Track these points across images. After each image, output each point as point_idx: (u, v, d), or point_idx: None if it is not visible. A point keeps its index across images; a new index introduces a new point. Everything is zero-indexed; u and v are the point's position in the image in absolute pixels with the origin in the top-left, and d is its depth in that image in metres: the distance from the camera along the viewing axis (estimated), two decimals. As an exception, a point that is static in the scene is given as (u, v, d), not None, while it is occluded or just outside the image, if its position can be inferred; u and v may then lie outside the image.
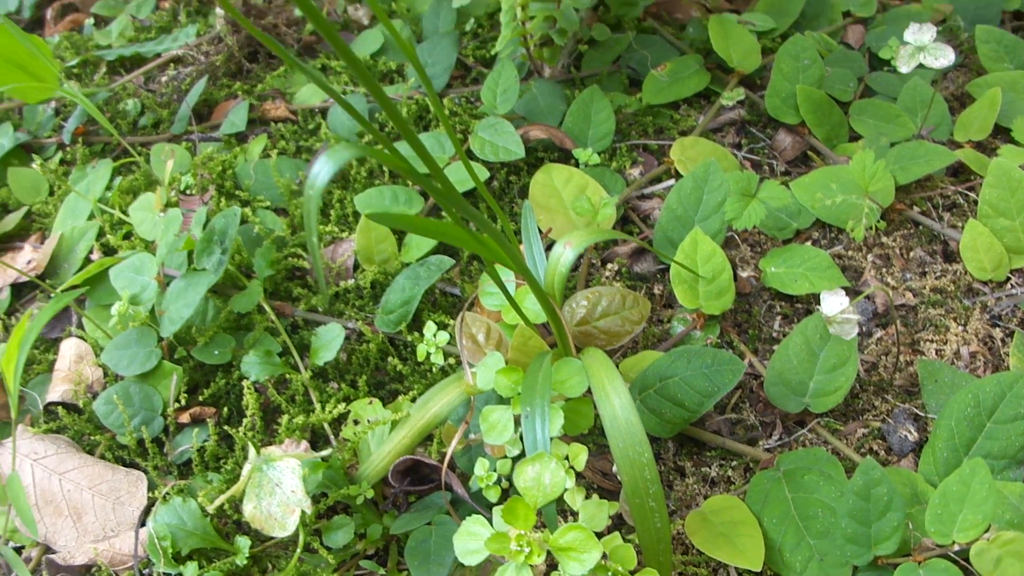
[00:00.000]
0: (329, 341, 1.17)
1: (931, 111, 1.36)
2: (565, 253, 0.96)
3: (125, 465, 1.19)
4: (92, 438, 1.23)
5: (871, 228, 1.25)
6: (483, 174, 1.31)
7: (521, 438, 0.87)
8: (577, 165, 1.35)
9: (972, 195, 1.29)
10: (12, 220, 1.61)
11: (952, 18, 1.55)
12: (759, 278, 1.22)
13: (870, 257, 1.24)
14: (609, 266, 1.25)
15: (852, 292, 1.19)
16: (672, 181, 1.35)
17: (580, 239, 0.96)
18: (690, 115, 1.47)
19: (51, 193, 1.64)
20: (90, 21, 2.10)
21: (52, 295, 1.42)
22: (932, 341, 1.15)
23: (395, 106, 0.61)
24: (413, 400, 1.10)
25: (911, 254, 1.25)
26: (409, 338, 1.18)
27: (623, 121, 1.44)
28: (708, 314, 1.14)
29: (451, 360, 1.17)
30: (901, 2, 1.63)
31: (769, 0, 1.59)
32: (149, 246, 1.38)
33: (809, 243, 1.27)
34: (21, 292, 1.51)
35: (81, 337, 1.34)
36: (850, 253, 1.25)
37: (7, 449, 1.20)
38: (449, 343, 1.13)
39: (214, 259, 1.21)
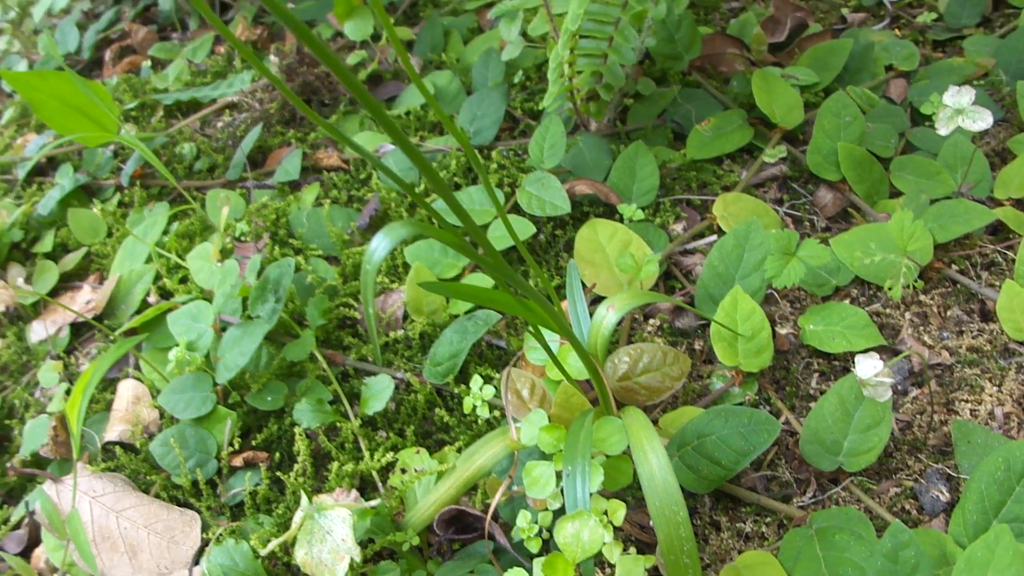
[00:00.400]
0: (379, 392, 1.23)
1: (971, 168, 1.39)
2: (608, 316, 1.01)
3: (179, 505, 1.25)
4: (148, 477, 1.29)
5: (908, 286, 1.29)
6: (530, 229, 1.36)
7: (562, 492, 0.92)
8: (622, 220, 1.40)
9: (1011, 254, 1.32)
10: (72, 260, 1.68)
11: (994, 72, 1.59)
12: (797, 335, 1.26)
13: (907, 315, 1.28)
14: (651, 321, 1.30)
15: (889, 351, 1.23)
16: (714, 237, 1.40)
17: (623, 303, 1.02)
18: (733, 170, 1.51)
19: (109, 234, 1.71)
20: (147, 64, 2.18)
21: (111, 337, 1.49)
22: (967, 401, 1.18)
23: (430, 166, 0.66)
24: (459, 451, 1.15)
25: (948, 313, 1.28)
26: (456, 390, 1.24)
27: (667, 176, 1.49)
28: (747, 371, 1.19)
29: (496, 413, 1.22)
30: (944, 55, 1.66)
31: (812, 54, 1.63)
32: (204, 292, 1.44)
33: (848, 300, 1.31)
34: (80, 331, 1.58)
35: (138, 378, 1.40)
36: (888, 311, 1.29)
37: (68, 486, 1.26)
38: (495, 396, 1.18)
39: (268, 307, 1.28)
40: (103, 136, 1.65)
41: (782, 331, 1.28)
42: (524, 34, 1.56)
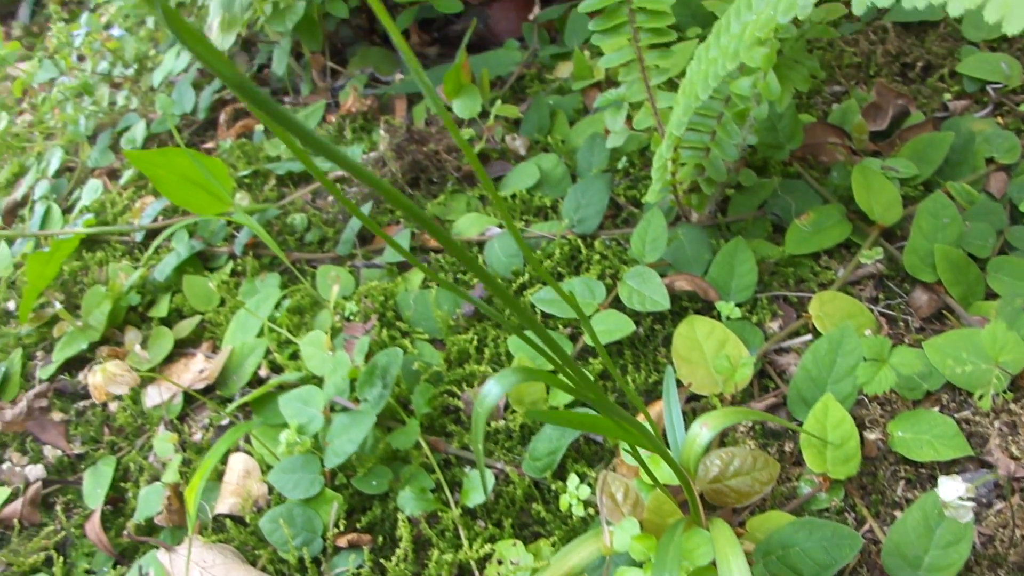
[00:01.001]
0: (479, 485, 1.32)
1: (1069, 274, 1.45)
2: (702, 434, 1.10)
3: (286, 581, 1.36)
4: (256, 551, 1.39)
5: (999, 395, 1.35)
6: (629, 326, 1.44)
7: (651, 599, 1.00)
8: (719, 316, 1.48)
9: (1105, 365, 1.37)
10: (187, 327, 1.80)
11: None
12: (886, 441, 1.33)
13: (996, 424, 1.34)
14: (744, 421, 1.38)
15: (976, 461, 1.29)
16: (809, 336, 1.46)
17: (717, 421, 1.10)
18: (830, 266, 1.58)
19: (222, 303, 1.83)
20: (260, 127, 2.30)
21: (224, 415, 1.60)
22: (1052, 515, 1.24)
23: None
24: (553, 546, 1.24)
25: (1038, 423, 1.34)
26: (553, 486, 1.32)
27: (765, 271, 1.56)
28: (834, 478, 1.26)
29: (591, 510, 1.30)
30: (1048, 147, 1.71)
31: (913, 146, 1.69)
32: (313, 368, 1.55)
33: (938, 407, 1.37)
34: (193, 397, 1.69)
35: (248, 452, 1.51)
36: (977, 419, 1.34)
37: (180, 555, 1.37)
38: (590, 494, 1.26)
39: (375, 392, 1.38)
40: (218, 207, 1.78)
41: (871, 436, 1.34)
42: (629, 119, 1.64)
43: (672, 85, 1.55)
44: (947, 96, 1.83)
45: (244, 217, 1.70)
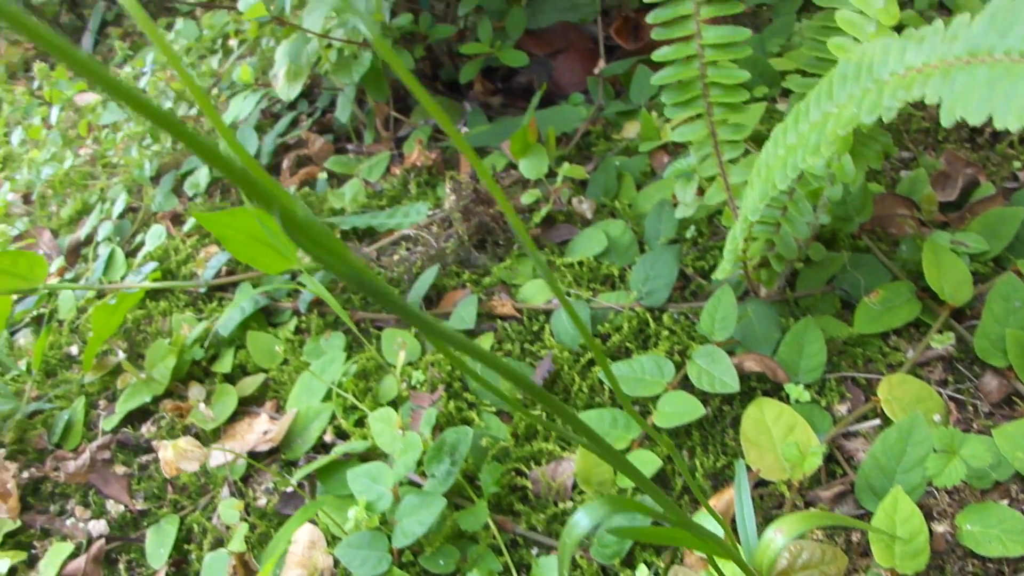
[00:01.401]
0: (549, 573, 1.34)
1: None
2: (776, 539, 1.11)
3: (351, 656, 1.39)
4: (321, 623, 1.42)
5: (1071, 489, 1.36)
6: (699, 410, 1.46)
7: None
8: (787, 398, 1.49)
9: None
10: (251, 384, 1.83)
11: None
12: (954, 534, 1.34)
13: (1067, 518, 1.34)
14: (811, 510, 1.39)
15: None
16: (877, 421, 1.48)
17: (793, 526, 1.11)
18: (899, 346, 1.59)
19: (285, 361, 1.86)
20: (323, 176, 2.34)
21: (288, 477, 1.63)
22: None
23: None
24: (621, 635, 1.26)
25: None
26: (621, 574, 1.34)
27: (833, 350, 1.57)
28: (902, 573, 1.27)
29: (659, 601, 1.32)
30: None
31: (983, 220, 1.69)
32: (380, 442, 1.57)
33: (1007, 500, 1.37)
34: (258, 457, 1.72)
35: (313, 521, 1.54)
36: (1047, 513, 1.35)
37: (246, 627, 1.40)
38: (658, 584, 1.28)
39: (443, 469, 1.40)
40: (283, 265, 1.81)
41: (939, 528, 1.35)
42: (700, 189, 1.65)
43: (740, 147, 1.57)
44: (1016, 165, 1.84)
45: (312, 281, 1.73)
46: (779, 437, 1.42)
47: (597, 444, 0.75)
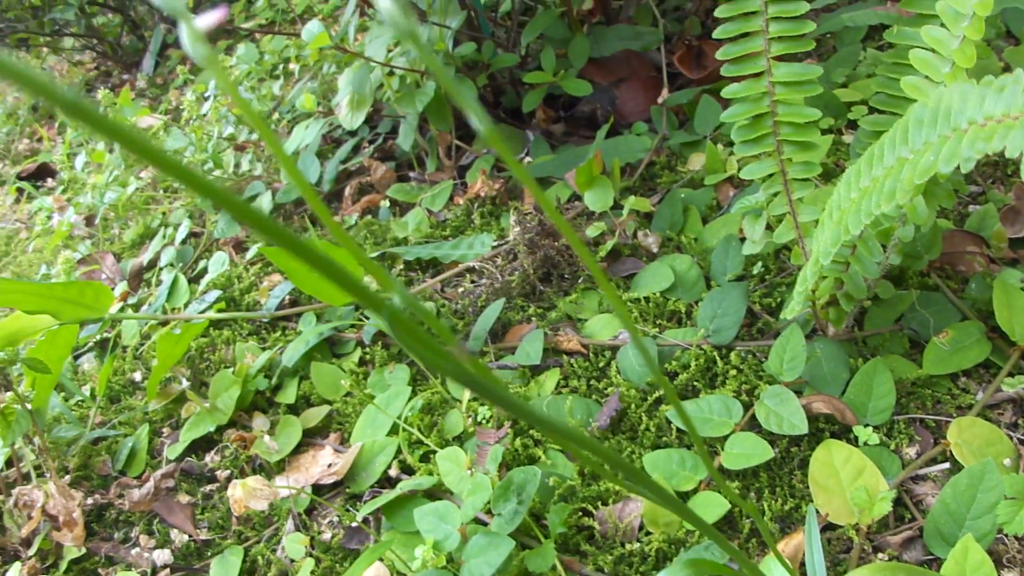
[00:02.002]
0: (617, 616, 1.36)
1: None
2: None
3: None
4: (389, 661, 1.45)
5: None
6: (767, 452, 1.47)
7: None
8: (856, 440, 1.50)
9: None
10: (315, 416, 1.86)
11: None
12: (1026, 582, 1.34)
13: None
14: (880, 555, 1.40)
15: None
16: (947, 464, 1.48)
17: (862, 577, 1.12)
18: (968, 388, 1.59)
19: (349, 393, 1.89)
20: (385, 204, 2.37)
21: (353, 511, 1.65)
22: None
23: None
24: None
25: None
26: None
27: (902, 391, 1.58)
28: (974, 622, 1.27)
29: (728, 647, 1.33)
30: None
31: (1055, 257, 1.70)
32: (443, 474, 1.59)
33: (1080, 547, 1.38)
34: (321, 490, 1.75)
35: (379, 557, 1.56)
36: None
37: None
38: (727, 628, 1.29)
39: (510, 508, 1.42)
40: (347, 297, 1.84)
41: (1009, 576, 1.36)
42: (768, 225, 1.67)
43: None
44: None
45: (374, 315, 1.75)
46: (848, 480, 1.43)
47: (656, 494, 0.76)
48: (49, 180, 3.82)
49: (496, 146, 0.49)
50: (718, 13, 1.54)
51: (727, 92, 1.56)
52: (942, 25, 1.40)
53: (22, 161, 4.03)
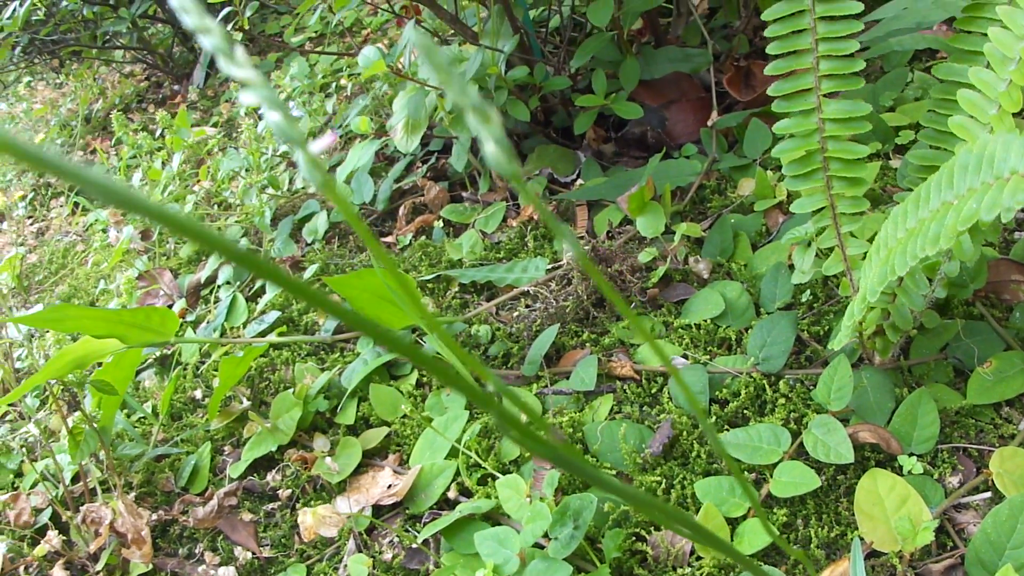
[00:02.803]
0: (671, 639, 1.44)
1: None
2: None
3: None
4: None
5: None
6: (814, 481, 1.54)
7: None
8: (900, 468, 1.57)
9: None
10: (374, 437, 1.95)
11: None
12: (1065, 611, 1.41)
13: None
14: (924, 584, 1.47)
15: None
16: (989, 493, 1.55)
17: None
18: (1011, 417, 1.66)
19: (406, 415, 1.97)
20: (439, 224, 2.45)
21: (414, 532, 1.74)
22: None
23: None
24: None
25: None
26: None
27: (946, 420, 1.65)
28: (1013, 650, 1.34)
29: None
30: None
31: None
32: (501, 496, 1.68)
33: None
34: (381, 511, 1.83)
35: (439, 578, 1.65)
36: None
37: None
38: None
39: (566, 533, 1.50)
40: (406, 321, 1.93)
41: (1049, 604, 1.42)
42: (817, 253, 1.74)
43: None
44: None
45: (433, 340, 1.84)
46: (892, 509, 1.50)
47: (697, 532, 0.84)
48: (103, 192, 3.92)
49: (517, 184, 0.57)
50: (770, 50, 1.62)
51: (778, 128, 1.64)
52: (989, 66, 1.47)
53: (76, 173, 4.13)
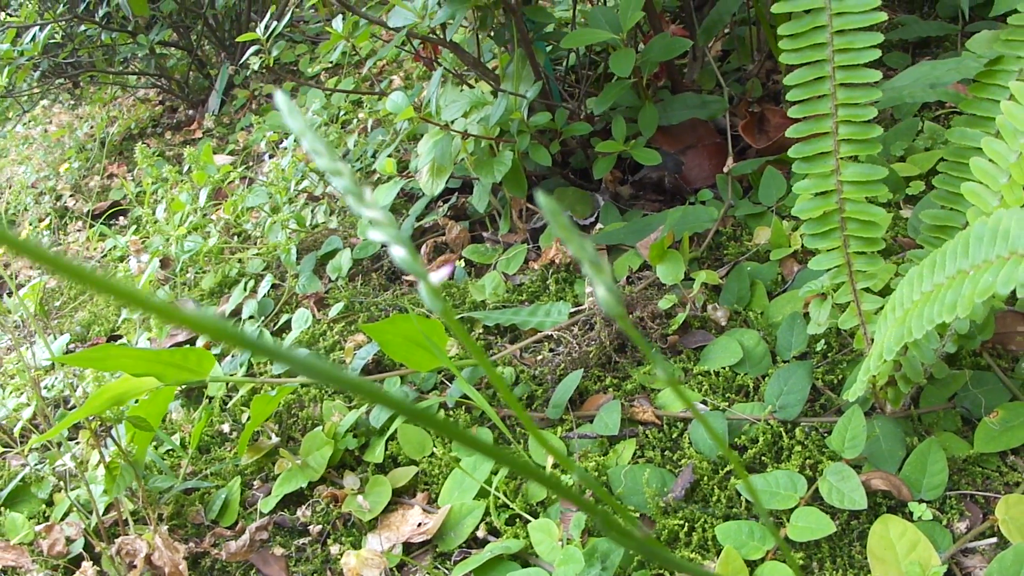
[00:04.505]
0: (695, 678, 1.54)
1: None
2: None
3: None
4: None
5: None
6: (829, 527, 1.65)
7: None
8: (910, 514, 1.67)
9: None
10: (403, 476, 2.06)
11: None
12: (1066, 654, 1.52)
13: None
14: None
15: None
16: (994, 539, 1.66)
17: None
18: (1016, 466, 1.77)
19: (433, 454, 2.08)
20: (460, 264, 2.56)
21: (441, 568, 1.84)
22: None
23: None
24: None
25: None
26: None
27: (954, 468, 1.76)
28: None
29: None
30: None
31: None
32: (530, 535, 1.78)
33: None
34: (411, 548, 1.94)
35: (471, 616, 1.76)
36: None
37: None
38: None
39: (594, 574, 1.61)
40: (434, 363, 2.05)
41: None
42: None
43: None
44: None
45: (463, 384, 1.95)
46: (903, 554, 1.61)
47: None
48: (120, 218, 4.04)
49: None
50: (791, 113, 1.74)
51: (797, 188, 1.75)
52: (999, 135, 1.58)
53: (93, 198, 4.26)
